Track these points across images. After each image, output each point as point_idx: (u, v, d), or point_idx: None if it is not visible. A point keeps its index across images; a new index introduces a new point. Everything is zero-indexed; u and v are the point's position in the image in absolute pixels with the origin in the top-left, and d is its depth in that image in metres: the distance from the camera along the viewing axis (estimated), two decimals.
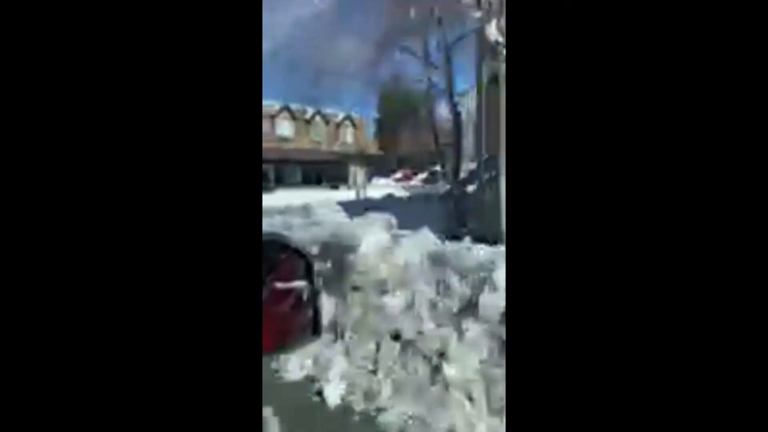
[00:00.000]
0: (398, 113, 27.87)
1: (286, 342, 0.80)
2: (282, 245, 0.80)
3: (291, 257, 0.81)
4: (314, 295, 0.81)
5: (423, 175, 31.50)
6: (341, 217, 4.16)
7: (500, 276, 2.41)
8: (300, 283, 0.81)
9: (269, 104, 23.81)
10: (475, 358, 2.30)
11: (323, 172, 25.07)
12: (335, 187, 22.89)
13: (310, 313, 0.81)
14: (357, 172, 25.42)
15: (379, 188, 22.85)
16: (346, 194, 17.68)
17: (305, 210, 4.43)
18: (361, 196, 17.74)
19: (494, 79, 5.95)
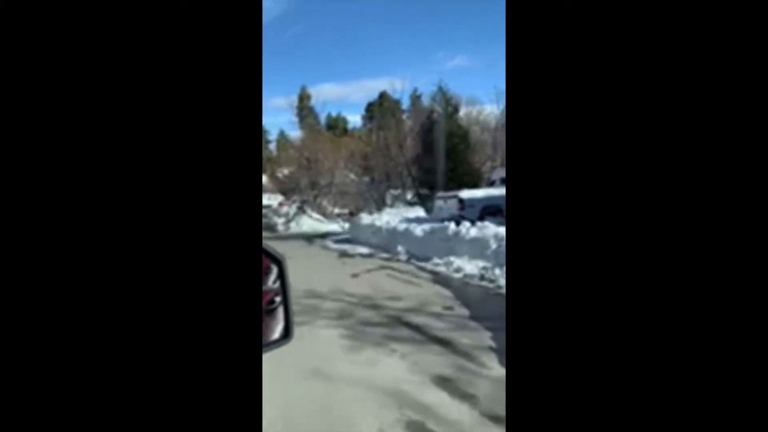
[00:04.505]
0: None
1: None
2: None
3: (263, 260, 0.80)
4: (286, 297, 0.82)
5: None
6: None
7: None
8: (272, 286, 0.81)
9: None
10: None
11: None
12: None
13: (282, 315, 0.82)
14: None
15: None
16: None
17: None
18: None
19: None
